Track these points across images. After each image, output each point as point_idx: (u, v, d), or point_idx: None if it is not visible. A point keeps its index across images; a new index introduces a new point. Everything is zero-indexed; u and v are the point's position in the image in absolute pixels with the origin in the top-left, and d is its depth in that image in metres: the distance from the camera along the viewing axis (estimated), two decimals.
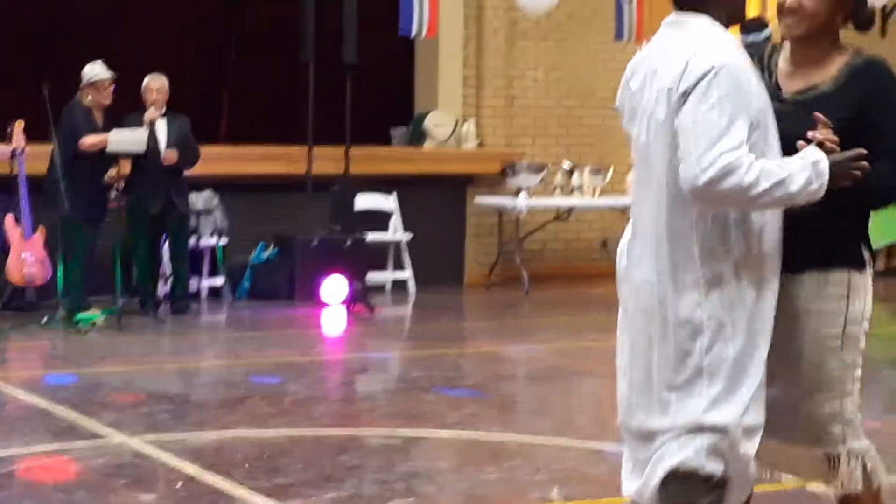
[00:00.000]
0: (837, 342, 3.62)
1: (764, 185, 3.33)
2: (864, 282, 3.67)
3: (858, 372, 3.67)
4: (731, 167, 3.31)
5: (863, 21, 3.72)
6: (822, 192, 3.40)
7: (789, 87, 3.71)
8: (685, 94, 3.39)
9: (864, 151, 3.42)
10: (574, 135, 12.97)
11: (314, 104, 11.30)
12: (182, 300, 10.31)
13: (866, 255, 3.69)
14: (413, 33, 10.92)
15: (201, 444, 6.17)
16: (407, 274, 11.95)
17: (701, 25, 3.52)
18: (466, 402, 7.24)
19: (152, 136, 10.05)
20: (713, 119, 3.34)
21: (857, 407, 3.65)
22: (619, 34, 11.90)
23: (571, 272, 12.85)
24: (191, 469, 5.63)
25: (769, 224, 3.50)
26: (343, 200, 11.33)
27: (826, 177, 3.39)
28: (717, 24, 3.53)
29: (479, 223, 12.71)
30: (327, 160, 11.40)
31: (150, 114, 10.08)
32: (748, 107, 3.39)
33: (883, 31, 13.73)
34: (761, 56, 3.82)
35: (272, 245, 11.32)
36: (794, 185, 3.36)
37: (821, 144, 3.42)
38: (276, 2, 12.51)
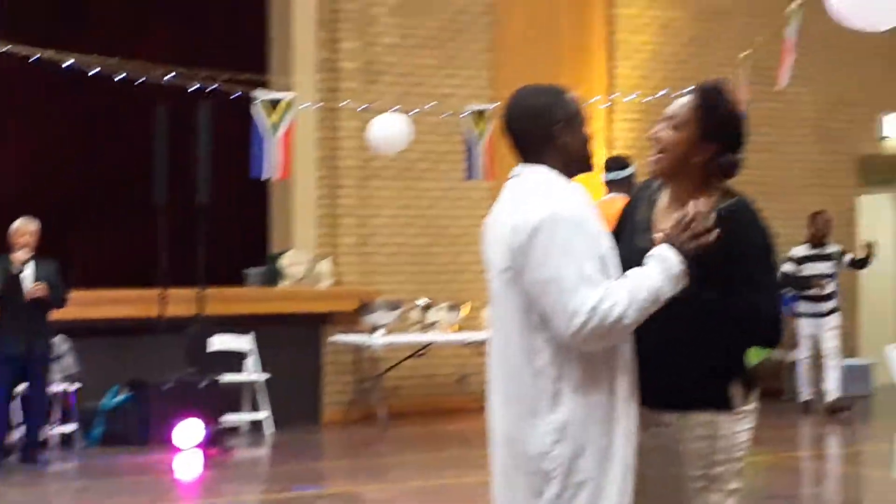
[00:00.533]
0: (701, 484, 3.64)
1: (624, 301, 3.42)
2: (731, 421, 3.66)
3: None
4: (595, 307, 3.40)
5: (725, 167, 3.76)
6: (682, 267, 3.47)
7: (662, 224, 3.75)
8: (522, 249, 3.49)
9: (703, 209, 3.51)
10: (429, 272, 13.10)
11: (168, 246, 11.26)
12: (34, 448, 10.05)
13: (736, 393, 3.68)
14: (264, 176, 10.98)
15: None
16: (263, 415, 11.84)
17: (539, 176, 3.62)
18: None
19: (16, 280, 9.90)
20: (563, 271, 3.43)
21: None
22: (468, 174, 12.13)
23: (429, 408, 12.88)
24: None
25: (622, 368, 3.56)
26: (197, 342, 11.23)
27: (672, 254, 3.47)
28: (556, 172, 3.62)
29: (336, 361, 12.70)
30: (181, 302, 11.32)
31: (17, 256, 9.95)
32: (592, 247, 3.50)
33: None
34: (649, 189, 3.90)
35: (125, 389, 11.15)
36: (649, 281, 3.46)
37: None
38: (129, 143, 12.49)
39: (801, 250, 13.08)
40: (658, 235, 3.62)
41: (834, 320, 12.99)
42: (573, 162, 3.67)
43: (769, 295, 3.66)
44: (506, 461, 3.60)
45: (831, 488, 9.48)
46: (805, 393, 13.13)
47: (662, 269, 3.48)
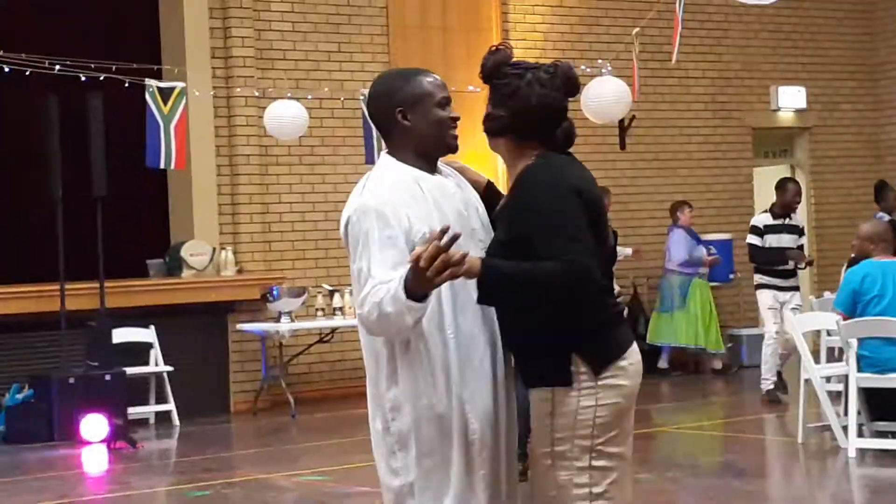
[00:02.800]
0: (548, 462, 3.62)
1: (368, 306, 3.48)
2: (572, 397, 3.59)
3: (586, 490, 3.60)
4: (364, 299, 3.50)
5: (564, 136, 3.77)
6: (404, 297, 3.38)
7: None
8: (344, 242, 3.67)
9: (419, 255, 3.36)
10: (333, 257, 13.09)
11: (65, 240, 11.14)
12: None
13: (576, 368, 3.59)
14: (161, 165, 10.88)
15: None
16: (170, 406, 11.77)
17: (379, 165, 3.72)
18: None
19: None
20: (360, 262, 3.55)
21: None
22: (368, 158, 12.13)
23: (338, 393, 12.88)
24: None
25: (457, 345, 3.59)
26: (100, 336, 11.14)
27: (401, 282, 3.41)
28: (398, 159, 3.69)
29: (243, 350, 12.66)
30: (82, 296, 11.22)
31: None
32: (392, 237, 3.53)
33: (622, 144, 14.40)
34: None
35: (27, 386, 11.02)
36: (384, 296, 3.44)
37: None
38: (22, 135, 12.32)
39: (764, 219, 11.88)
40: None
41: (797, 298, 11.75)
42: (424, 145, 3.70)
43: (557, 257, 3.50)
44: (372, 435, 3.74)
45: (735, 455, 9.65)
46: (768, 381, 11.53)
47: (391, 287, 3.45)
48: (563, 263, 3.46)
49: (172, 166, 11.02)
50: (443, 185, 3.71)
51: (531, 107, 3.67)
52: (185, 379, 11.89)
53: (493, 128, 3.73)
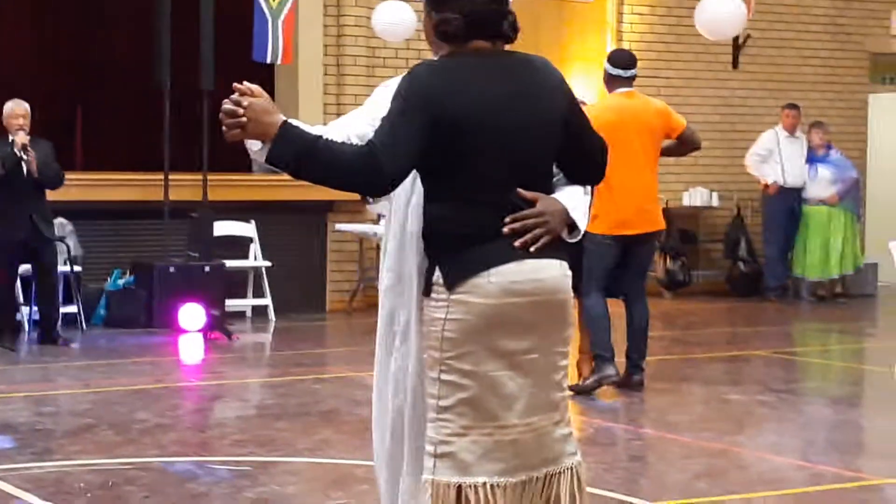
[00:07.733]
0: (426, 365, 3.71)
1: None
2: (431, 308, 3.57)
3: (435, 402, 3.56)
4: None
5: (436, 27, 3.59)
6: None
7: None
8: None
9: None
10: None
11: (171, 131, 11.24)
12: (52, 328, 10.12)
13: (438, 280, 3.55)
14: (268, 59, 10.88)
15: (43, 474, 6.07)
16: (267, 301, 11.90)
17: None
18: (318, 428, 7.23)
19: (19, 163, 9.80)
20: None
21: (433, 441, 3.55)
22: None
23: None
24: (30, 499, 5.54)
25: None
26: (201, 227, 11.27)
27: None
28: None
29: (341, 250, 12.73)
30: (185, 187, 11.34)
31: (20, 138, 9.83)
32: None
33: (735, 63, 14.12)
34: None
35: (128, 272, 11.21)
36: None
37: None
38: (131, 25, 12.41)
39: None
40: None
41: None
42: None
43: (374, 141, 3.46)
44: None
45: (830, 382, 9.53)
46: None
47: None
48: (360, 151, 3.44)
49: (279, 61, 11.01)
50: None
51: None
52: (283, 275, 12.01)
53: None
